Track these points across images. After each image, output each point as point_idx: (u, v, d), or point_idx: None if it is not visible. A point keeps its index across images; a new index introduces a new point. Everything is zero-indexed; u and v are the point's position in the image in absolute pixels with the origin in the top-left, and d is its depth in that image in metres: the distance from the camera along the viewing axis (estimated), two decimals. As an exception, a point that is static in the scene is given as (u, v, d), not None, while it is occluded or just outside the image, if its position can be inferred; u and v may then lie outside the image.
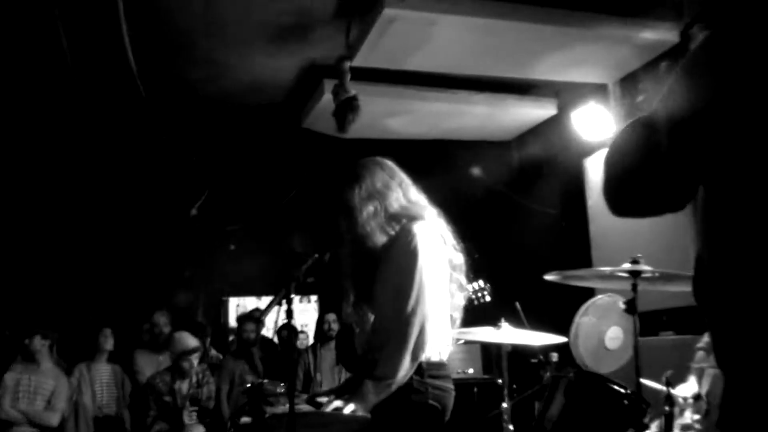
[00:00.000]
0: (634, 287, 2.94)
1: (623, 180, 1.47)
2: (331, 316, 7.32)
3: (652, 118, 1.44)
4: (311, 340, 7.94)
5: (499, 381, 4.78)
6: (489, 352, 6.55)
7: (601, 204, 5.25)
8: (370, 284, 3.11)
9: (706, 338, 4.00)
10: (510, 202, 7.37)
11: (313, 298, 9.83)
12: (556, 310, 5.13)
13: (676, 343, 5.15)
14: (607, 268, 3.06)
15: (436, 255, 3.02)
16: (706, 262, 1.33)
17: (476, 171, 7.17)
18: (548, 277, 3.38)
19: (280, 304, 2.41)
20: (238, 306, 9.19)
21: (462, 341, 6.37)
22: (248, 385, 3.29)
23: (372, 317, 3.16)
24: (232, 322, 8.84)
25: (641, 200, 1.49)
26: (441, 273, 3.05)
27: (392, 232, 3.02)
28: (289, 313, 2.38)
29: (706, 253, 1.33)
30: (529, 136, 7.16)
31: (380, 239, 3.02)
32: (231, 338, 8.48)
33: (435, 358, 2.98)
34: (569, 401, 3.12)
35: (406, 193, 3.13)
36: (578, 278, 3.63)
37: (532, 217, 7.15)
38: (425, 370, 2.92)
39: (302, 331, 9.46)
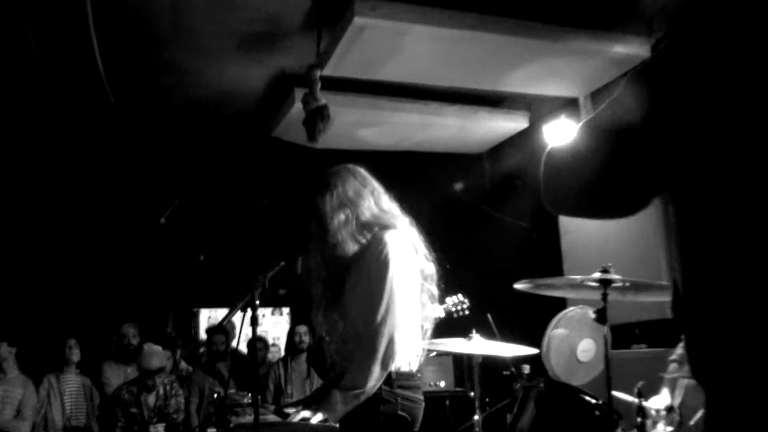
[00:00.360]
0: (605, 296, 2.93)
1: (572, 185, 1.45)
2: (302, 328, 7.29)
3: (598, 123, 1.42)
4: (283, 353, 7.87)
5: (471, 394, 4.77)
6: (461, 364, 6.53)
7: (572, 218, 5.27)
8: (341, 293, 3.08)
9: (678, 350, 4.01)
10: (481, 214, 7.37)
11: (285, 310, 9.77)
12: (528, 322, 5.13)
13: (648, 355, 5.16)
14: (578, 277, 3.05)
15: (407, 264, 3.00)
16: (679, 285, 1.31)
17: (456, 185, 7.17)
18: (518, 285, 3.36)
19: (243, 310, 2.36)
20: (209, 318, 9.12)
21: (434, 353, 6.36)
22: (215, 396, 3.23)
23: (342, 326, 3.13)
24: (203, 334, 8.76)
25: (594, 205, 1.48)
26: (412, 283, 3.03)
27: (363, 241, 3.00)
28: (254, 320, 2.33)
29: (679, 276, 1.31)
30: (500, 148, 7.17)
31: (351, 248, 2.99)
32: (202, 350, 8.38)
33: (405, 369, 2.96)
34: (540, 412, 3.09)
35: (378, 201, 3.11)
36: (549, 287, 3.62)
37: (503, 229, 7.16)
38: (395, 381, 2.90)
39: (274, 344, 9.40)
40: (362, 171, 3.19)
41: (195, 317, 9.27)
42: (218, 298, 8.84)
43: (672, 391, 3.83)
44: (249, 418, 2.64)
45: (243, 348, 8.25)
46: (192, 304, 9.11)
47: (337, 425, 2.74)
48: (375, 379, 2.82)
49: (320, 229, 3.02)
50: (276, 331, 9.96)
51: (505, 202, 7.17)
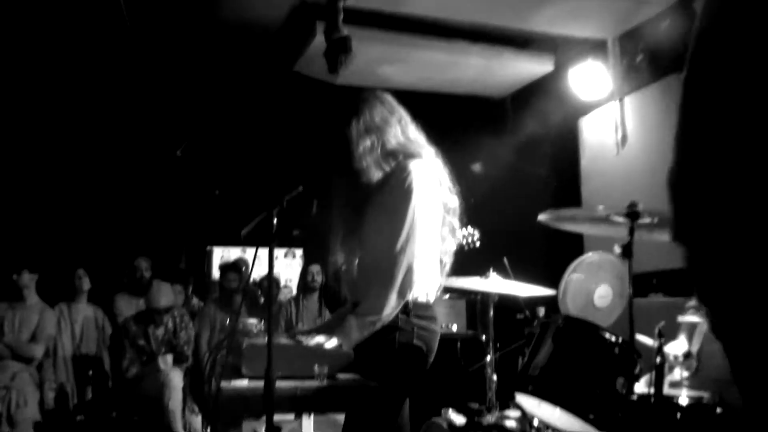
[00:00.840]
0: (631, 231, 2.85)
1: None
2: (315, 268, 7.27)
3: None
4: (294, 294, 7.86)
5: (483, 337, 4.73)
6: (474, 308, 6.49)
7: (594, 164, 5.20)
8: (361, 221, 3.02)
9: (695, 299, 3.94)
10: (501, 161, 7.26)
11: (298, 252, 9.75)
12: (545, 267, 5.08)
13: (665, 304, 5.10)
14: (603, 208, 2.96)
15: (430, 195, 2.94)
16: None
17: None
18: (542, 217, 3.28)
19: (261, 224, 2.30)
20: (222, 257, 9.10)
21: (447, 296, 6.33)
22: (227, 321, 3.19)
23: (360, 255, 3.07)
24: (216, 272, 8.77)
25: None
26: (434, 214, 2.97)
27: (387, 169, 2.93)
28: (271, 238, 2.26)
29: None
30: (524, 93, 7.02)
31: (375, 175, 2.93)
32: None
33: (422, 299, 2.92)
34: (558, 348, 3.04)
35: (404, 130, 3.04)
36: (572, 220, 3.53)
37: (523, 176, 7.06)
38: (411, 310, 2.86)
39: (285, 286, 9.40)
40: (390, 98, 3.12)
41: (208, 255, 9.28)
42: (232, 236, 8.81)
43: (690, 338, 3.77)
44: (262, 340, 2.60)
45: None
46: (205, 242, 9.10)
47: (351, 352, 2.69)
48: (391, 308, 2.78)
49: (345, 154, 2.95)
50: (288, 273, 9.97)
51: (526, 148, 7.06)
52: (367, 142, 2.92)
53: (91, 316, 6.74)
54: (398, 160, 2.94)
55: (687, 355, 3.61)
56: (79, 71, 6.56)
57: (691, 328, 3.83)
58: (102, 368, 6.59)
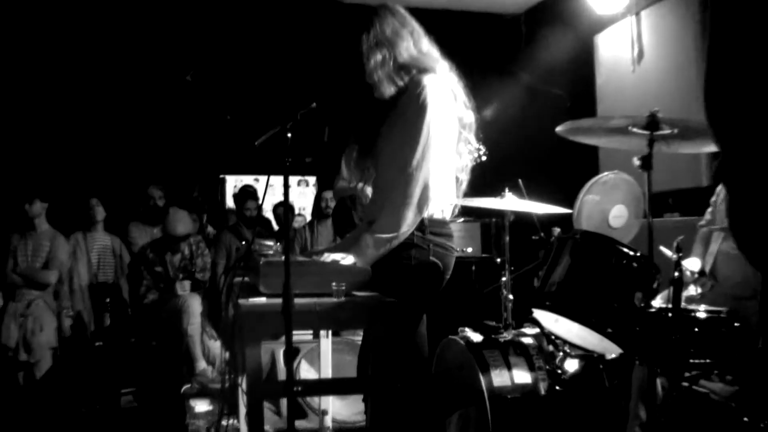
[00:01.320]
0: (651, 142, 2.79)
1: None
2: (329, 194, 7.23)
3: None
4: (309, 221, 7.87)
5: (498, 260, 4.72)
6: (489, 231, 6.47)
7: (610, 81, 5.07)
8: (375, 138, 2.97)
9: (707, 216, 3.91)
10: (516, 80, 7.15)
11: (311, 180, 9.73)
12: (560, 186, 5.02)
13: (681, 224, 5.07)
14: (622, 118, 2.88)
15: (445, 110, 2.89)
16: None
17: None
18: (559, 128, 3.22)
19: (275, 136, 2.26)
20: (235, 186, 9.09)
21: (462, 219, 6.31)
22: (242, 243, 3.19)
23: (374, 173, 3.04)
24: (230, 201, 8.78)
25: None
26: (449, 130, 2.92)
27: (401, 83, 2.87)
28: (285, 152, 2.22)
29: None
30: (538, 8, 6.87)
31: (388, 90, 2.87)
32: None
33: (438, 216, 2.90)
34: (575, 263, 3.02)
35: (417, 43, 2.97)
36: (589, 132, 3.45)
37: (538, 94, 6.95)
38: (427, 227, 2.85)
39: (300, 214, 9.41)
40: (402, 11, 3.04)
41: (222, 184, 9.27)
42: (245, 165, 8.79)
43: (703, 257, 3.75)
44: (278, 258, 2.59)
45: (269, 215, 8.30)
46: (219, 171, 9.08)
47: (369, 268, 2.69)
48: (408, 225, 2.77)
49: (356, 69, 2.89)
50: (302, 202, 9.96)
51: (541, 66, 6.93)
52: (378, 56, 2.86)
53: (108, 245, 6.77)
54: (411, 74, 2.88)
55: (701, 273, 3.60)
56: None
57: (704, 247, 3.81)
58: (120, 296, 6.65)
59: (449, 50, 3.09)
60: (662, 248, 3.15)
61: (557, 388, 3.53)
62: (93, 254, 6.66)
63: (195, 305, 5.95)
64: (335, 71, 3.06)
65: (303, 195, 9.90)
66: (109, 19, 6.79)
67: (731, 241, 3.49)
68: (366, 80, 2.87)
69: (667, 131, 2.85)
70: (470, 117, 3.05)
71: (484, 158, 4.44)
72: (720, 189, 3.85)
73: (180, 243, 6.28)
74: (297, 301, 2.34)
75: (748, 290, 3.16)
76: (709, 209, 3.88)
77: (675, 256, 2.94)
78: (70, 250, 6.50)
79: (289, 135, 2.28)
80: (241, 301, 2.51)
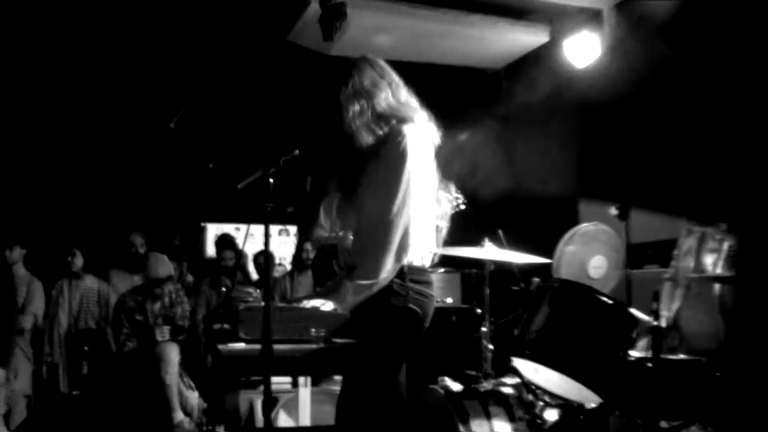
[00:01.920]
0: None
1: None
2: (308, 245, 7.22)
3: None
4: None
5: (478, 310, 4.73)
6: (469, 282, 6.49)
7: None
8: (356, 186, 3.00)
9: (671, 269, 3.97)
10: (496, 134, 7.23)
11: (292, 230, 9.74)
12: (539, 238, 5.06)
13: (660, 275, 5.12)
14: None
15: (425, 158, 2.93)
16: None
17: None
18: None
19: (257, 181, 2.28)
20: (216, 235, 9.09)
21: (442, 270, 6.32)
22: (223, 289, 3.19)
23: (356, 220, 3.06)
24: (210, 249, 8.76)
25: None
26: (429, 178, 2.96)
27: (380, 133, 2.92)
28: (267, 198, 2.24)
29: None
30: (519, 64, 6.98)
31: (367, 139, 2.92)
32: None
33: (417, 263, 2.91)
34: (554, 311, 3.04)
35: (396, 93, 3.02)
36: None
37: (518, 147, 7.03)
38: (407, 274, 2.86)
39: (280, 264, 9.39)
40: (381, 62, 3.11)
41: (202, 232, 9.27)
42: (226, 213, 8.81)
43: (668, 307, 3.81)
44: (258, 303, 2.59)
45: (248, 266, 8.27)
46: (200, 219, 9.08)
47: (348, 314, 2.69)
48: (387, 271, 2.78)
49: (335, 119, 2.94)
50: (282, 251, 9.96)
51: (521, 120, 7.02)
52: (356, 106, 2.91)
53: (95, 289, 6.76)
54: (390, 124, 2.93)
55: (669, 328, 3.65)
56: (71, 45, 6.50)
57: (669, 301, 3.86)
58: (98, 343, 6.58)
59: (430, 103, 3.14)
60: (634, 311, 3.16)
61: (537, 438, 3.51)
62: (75, 301, 6.62)
63: (173, 354, 5.90)
64: (316, 121, 3.10)
65: (284, 244, 9.90)
66: (94, 66, 6.84)
67: (695, 297, 3.56)
68: (345, 130, 2.91)
69: (643, 182, 2.90)
70: (445, 161, 3.09)
71: (463, 207, 4.49)
72: (682, 241, 3.91)
73: (162, 286, 6.24)
74: (276, 347, 2.34)
75: (714, 342, 3.20)
76: (672, 262, 3.93)
77: (653, 305, 2.97)
78: (55, 296, 6.47)
79: (271, 180, 2.31)
80: (221, 346, 2.50)
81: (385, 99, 2.97)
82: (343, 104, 2.92)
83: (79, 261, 6.74)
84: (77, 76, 6.96)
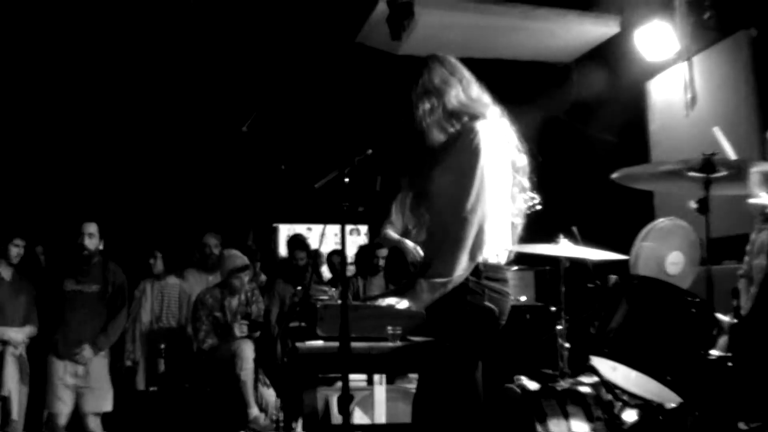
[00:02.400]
0: (707, 184, 2.76)
1: None
2: (382, 252, 7.19)
3: None
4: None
5: (552, 308, 4.67)
6: (543, 279, 6.42)
7: (663, 127, 5.02)
8: (428, 184, 3.00)
9: (744, 266, 3.84)
10: (568, 128, 7.14)
11: (363, 229, 9.78)
12: (615, 234, 4.97)
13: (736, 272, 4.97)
14: (677, 162, 2.85)
15: (498, 155, 2.91)
16: None
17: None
18: (615, 175, 3.21)
19: (332, 181, 2.31)
20: (288, 235, 9.19)
21: (515, 268, 6.26)
22: (298, 288, 3.23)
23: (428, 218, 3.05)
24: (282, 249, 8.87)
25: None
26: (503, 174, 2.94)
27: (452, 130, 2.92)
28: (342, 197, 2.26)
29: None
30: (589, 56, 6.87)
31: (438, 137, 2.92)
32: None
33: (493, 260, 2.89)
34: (634, 308, 2.97)
35: (467, 90, 3.01)
36: (643, 178, 3.44)
37: (591, 141, 6.93)
38: (482, 272, 2.84)
39: (352, 263, 9.43)
40: (452, 59, 3.10)
41: (275, 232, 9.38)
42: (298, 214, 8.90)
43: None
44: (335, 302, 2.62)
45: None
46: (272, 219, 9.20)
47: (424, 312, 2.69)
48: (462, 269, 2.76)
49: (407, 118, 2.94)
50: (353, 250, 10.00)
51: (592, 114, 6.91)
52: (427, 104, 2.91)
53: (176, 290, 6.91)
54: (462, 121, 2.92)
55: None
56: (145, 48, 6.66)
57: (744, 295, 3.73)
58: (176, 341, 6.72)
59: (503, 98, 3.12)
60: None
61: (615, 439, 3.45)
62: (157, 301, 6.80)
63: (248, 351, 5.98)
64: (386, 120, 3.11)
65: (355, 244, 9.95)
66: (171, 73, 7.00)
67: None
68: (416, 128, 2.90)
69: (722, 173, 2.82)
70: (523, 161, 3.07)
71: (539, 207, 4.45)
72: (754, 237, 3.78)
73: (241, 278, 6.33)
74: (353, 344, 2.36)
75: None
76: (746, 258, 3.81)
77: (733, 302, 2.90)
78: (138, 296, 6.71)
79: (347, 180, 2.33)
80: (299, 344, 2.53)
81: (455, 96, 2.96)
82: (414, 102, 2.92)
83: (159, 262, 6.90)
84: (156, 83, 7.13)
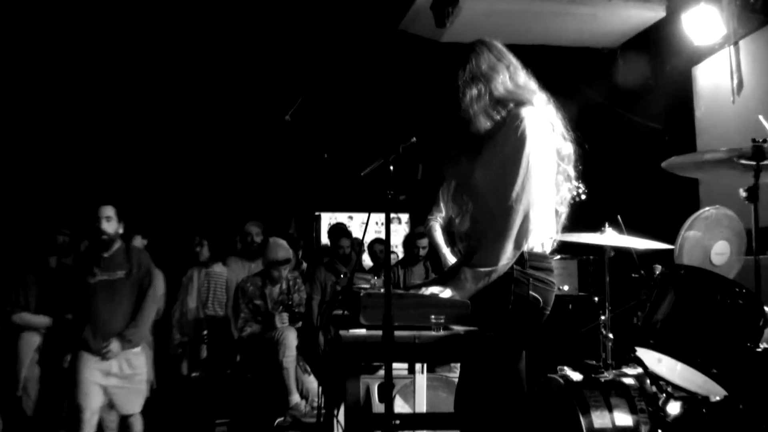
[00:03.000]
0: (757, 172, 2.70)
1: None
2: (422, 242, 7.20)
3: None
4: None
5: (596, 298, 4.62)
6: (586, 269, 6.35)
7: (710, 113, 4.92)
8: (473, 171, 2.97)
9: None
10: (612, 114, 7.04)
11: (404, 218, 9.78)
12: (660, 224, 4.90)
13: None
14: (726, 150, 2.79)
15: (544, 142, 2.87)
16: None
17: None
18: (664, 164, 3.16)
19: (378, 169, 2.30)
20: (329, 223, 9.24)
21: (559, 257, 6.21)
22: (341, 276, 3.23)
23: (472, 206, 3.03)
24: (324, 237, 8.92)
25: None
26: (548, 162, 2.90)
27: (498, 117, 2.87)
28: (388, 184, 2.26)
29: None
30: (635, 41, 6.76)
31: (484, 124, 2.88)
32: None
33: (538, 249, 2.86)
34: (680, 299, 2.93)
35: (513, 76, 2.96)
36: (692, 167, 3.38)
37: (635, 129, 6.83)
38: (527, 261, 2.81)
39: (393, 251, 9.45)
40: (498, 45, 3.05)
41: (317, 221, 9.43)
42: (340, 202, 8.94)
43: None
44: (378, 290, 2.62)
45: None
46: (314, 208, 9.25)
47: (468, 302, 2.67)
48: (507, 258, 2.74)
49: (453, 105, 2.91)
50: (394, 239, 10.02)
51: (638, 101, 6.81)
52: (474, 91, 2.87)
53: (223, 278, 7.00)
54: (508, 108, 2.88)
55: None
56: (190, 38, 6.71)
57: None
58: (220, 328, 6.79)
59: (547, 84, 3.08)
60: None
61: (659, 431, 3.40)
62: (203, 288, 6.89)
63: (291, 338, 6.03)
64: (432, 107, 3.09)
65: (396, 232, 9.96)
66: (215, 62, 7.05)
67: None
68: (462, 115, 2.88)
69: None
70: (569, 149, 3.02)
71: (583, 197, 4.40)
72: None
73: (281, 270, 6.36)
74: (396, 333, 2.36)
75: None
76: None
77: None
78: (185, 283, 6.81)
79: (392, 168, 2.32)
80: (342, 332, 2.54)
81: (502, 83, 2.91)
82: (461, 88, 2.88)
83: (206, 250, 6.97)
84: (202, 71, 7.19)
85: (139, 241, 6.48)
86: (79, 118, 7.57)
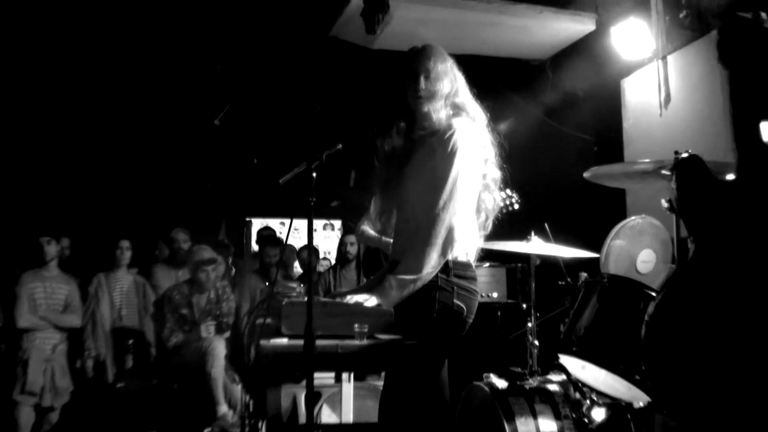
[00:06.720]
0: (680, 183, 2.74)
1: None
2: (350, 238, 7.18)
3: None
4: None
5: (524, 305, 4.65)
6: (514, 276, 6.41)
7: (637, 125, 5.03)
8: (402, 179, 2.95)
9: None
10: (542, 125, 7.14)
11: (337, 225, 9.76)
12: (586, 232, 4.97)
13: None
14: (649, 161, 2.85)
15: (473, 152, 2.86)
16: None
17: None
18: (586, 174, 3.20)
19: (300, 174, 2.26)
20: (260, 229, 9.15)
21: (487, 264, 6.25)
22: (266, 283, 3.17)
23: (400, 213, 3.01)
24: (255, 244, 8.81)
25: None
26: (476, 172, 2.90)
27: (443, 118, 2.86)
28: (310, 192, 2.21)
29: None
30: (564, 54, 6.86)
31: (435, 122, 2.85)
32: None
33: (462, 258, 2.86)
34: (603, 307, 2.96)
35: (461, 87, 2.97)
36: (616, 177, 3.43)
37: (564, 140, 6.93)
38: (451, 269, 2.80)
39: (325, 258, 9.40)
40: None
41: (248, 227, 9.33)
42: (271, 208, 8.85)
43: None
44: (301, 299, 2.57)
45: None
46: (245, 213, 9.15)
47: (392, 310, 2.65)
48: (432, 266, 2.73)
49: (416, 88, 2.86)
50: (327, 246, 9.97)
51: (567, 112, 6.91)
52: (447, 83, 2.89)
53: (132, 285, 6.74)
54: (449, 114, 2.89)
55: None
56: (118, 41, 6.56)
57: None
58: (143, 337, 6.62)
59: (478, 94, 3.09)
60: None
61: (584, 437, 3.44)
62: (115, 294, 6.63)
63: (220, 348, 5.91)
64: (363, 117, 3.06)
65: (328, 239, 9.92)
66: (140, 64, 6.91)
67: None
68: (415, 102, 2.86)
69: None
70: (496, 158, 3.03)
71: (516, 206, 4.44)
72: None
73: (208, 272, 6.23)
74: (319, 342, 2.31)
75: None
76: None
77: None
78: (93, 291, 6.49)
79: (314, 174, 2.28)
80: (263, 342, 2.48)
81: (463, 90, 2.95)
82: (437, 73, 2.86)
83: (127, 256, 6.76)
84: (124, 73, 7.03)
85: (53, 246, 6.21)
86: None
